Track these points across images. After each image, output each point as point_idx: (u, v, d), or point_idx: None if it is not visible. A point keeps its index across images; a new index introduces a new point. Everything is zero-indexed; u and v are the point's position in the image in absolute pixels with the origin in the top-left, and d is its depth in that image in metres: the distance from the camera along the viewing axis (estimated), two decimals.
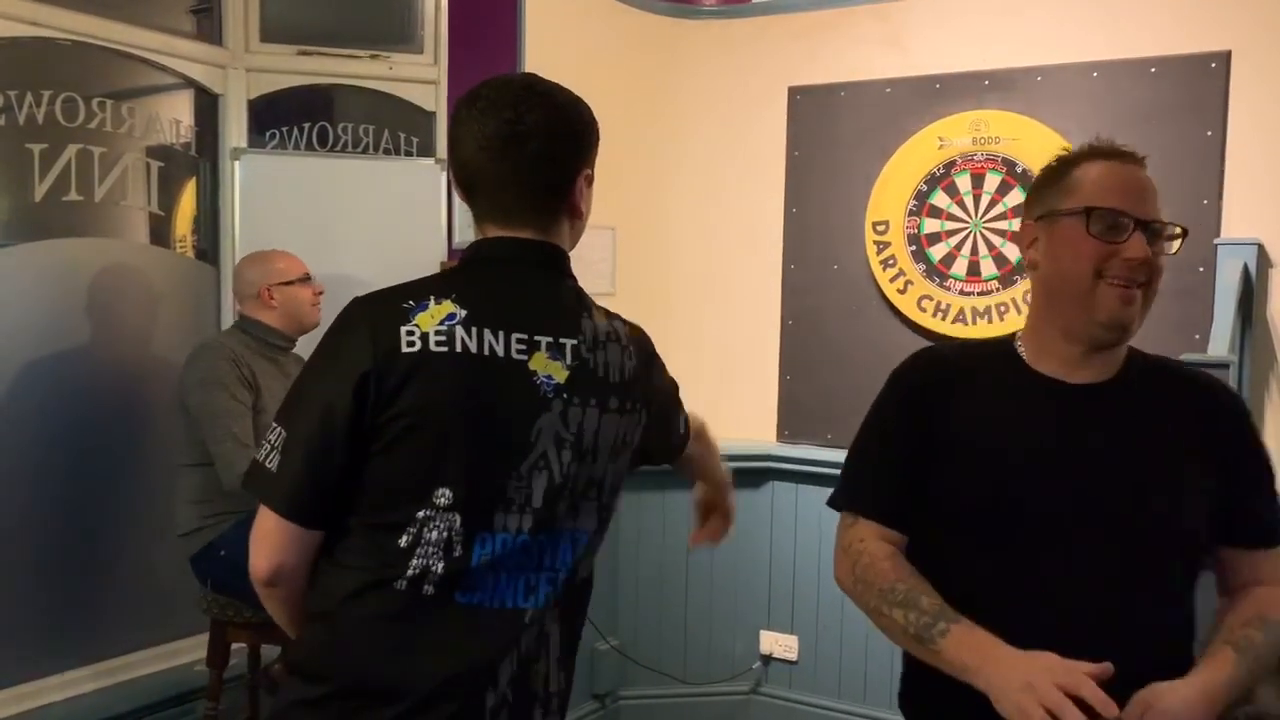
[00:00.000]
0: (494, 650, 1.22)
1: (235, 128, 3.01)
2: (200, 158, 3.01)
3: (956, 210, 3.32)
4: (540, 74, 1.33)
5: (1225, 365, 2.53)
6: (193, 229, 3.03)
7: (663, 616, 3.62)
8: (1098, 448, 1.35)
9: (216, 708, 2.57)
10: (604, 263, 3.54)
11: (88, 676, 2.70)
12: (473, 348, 1.21)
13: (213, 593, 2.56)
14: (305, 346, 2.64)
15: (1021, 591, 1.32)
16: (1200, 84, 2.97)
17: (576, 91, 1.33)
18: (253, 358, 2.56)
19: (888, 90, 3.44)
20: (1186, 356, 2.59)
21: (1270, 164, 2.92)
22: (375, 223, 3.08)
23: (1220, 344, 2.65)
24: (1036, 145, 3.10)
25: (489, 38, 3.25)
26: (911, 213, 3.38)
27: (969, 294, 3.30)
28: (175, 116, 2.93)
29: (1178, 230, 1.38)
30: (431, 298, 1.23)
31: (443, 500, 1.19)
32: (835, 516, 1.51)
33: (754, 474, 3.55)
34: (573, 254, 1.36)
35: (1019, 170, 3.22)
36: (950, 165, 3.32)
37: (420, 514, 1.19)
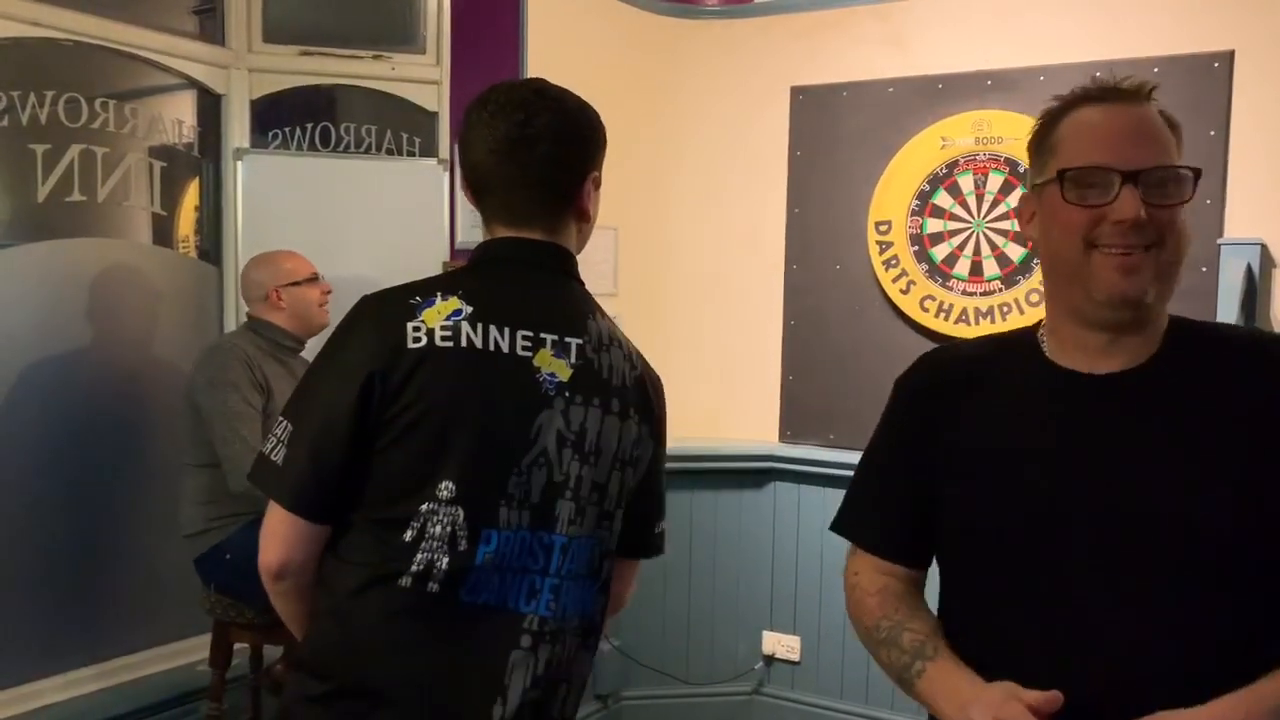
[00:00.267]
0: (497, 652, 1.22)
1: (238, 128, 3.01)
2: (203, 158, 3.01)
3: (959, 210, 3.32)
4: (542, 74, 1.35)
5: None
6: (195, 229, 3.03)
7: (665, 617, 3.62)
8: (1131, 452, 1.12)
9: (219, 708, 2.58)
10: (606, 263, 3.54)
11: (90, 676, 2.70)
12: (478, 343, 1.22)
13: (216, 594, 2.56)
14: (313, 349, 2.64)
15: (1050, 639, 1.12)
16: (1203, 84, 2.97)
17: (578, 92, 1.35)
18: (264, 359, 2.56)
19: (890, 90, 3.44)
20: None
21: (1273, 164, 2.91)
22: (377, 223, 3.08)
23: None
24: None
25: (491, 38, 3.25)
26: (914, 213, 3.38)
27: (971, 294, 3.30)
28: (178, 117, 2.93)
29: (1187, 172, 1.13)
30: (439, 294, 1.24)
31: (445, 493, 1.20)
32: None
33: (756, 474, 3.55)
34: (578, 255, 1.38)
35: (1021, 170, 3.21)
36: (953, 165, 3.32)
37: (424, 508, 1.20)
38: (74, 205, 2.66)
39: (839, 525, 1.36)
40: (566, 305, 1.31)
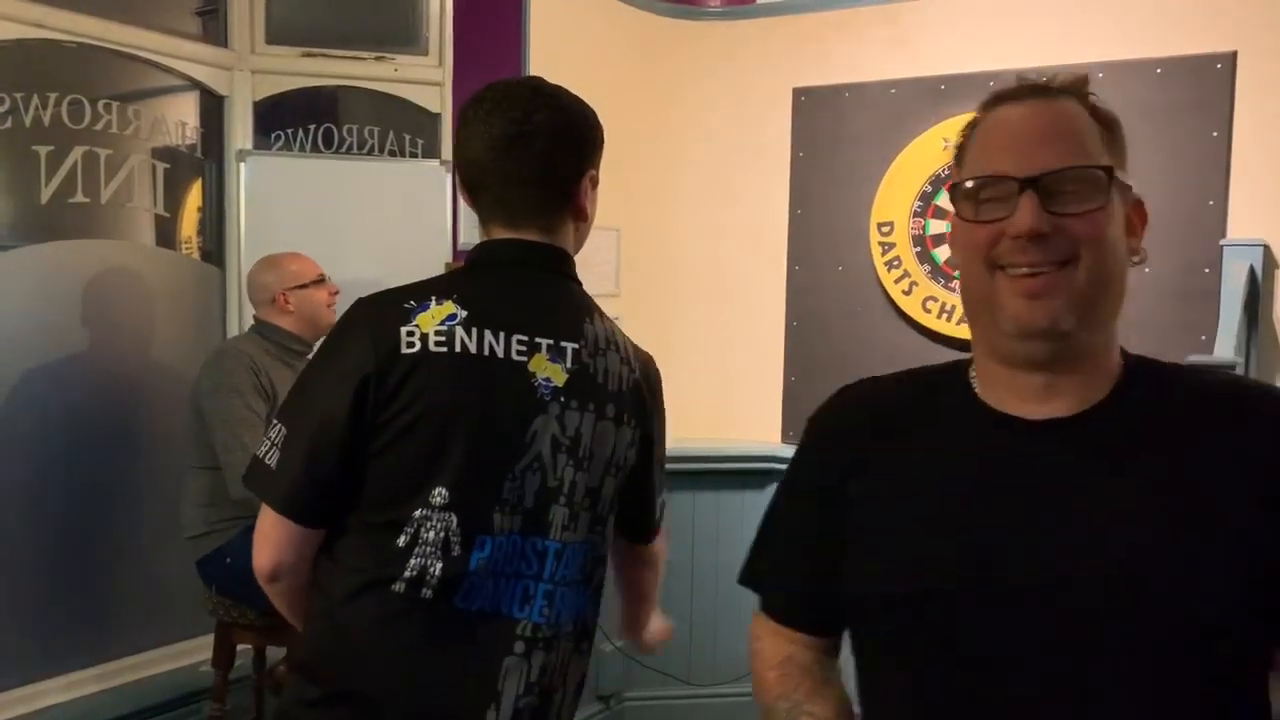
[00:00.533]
0: (492, 658, 1.22)
1: (240, 129, 3.01)
2: (206, 159, 3.01)
3: None
4: (545, 76, 1.34)
5: (1231, 367, 2.53)
6: (198, 231, 3.03)
7: (667, 617, 3.62)
8: (1069, 514, 0.90)
9: (222, 709, 2.58)
10: (608, 264, 3.54)
11: (92, 678, 2.70)
12: (472, 348, 1.21)
13: (218, 595, 2.56)
14: None
15: None
16: (1206, 85, 2.97)
17: (581, 93, 1.34)
18: (271, 364, 2.55)
19: (892, 91, 3.43)
20: (1192, 359, 2.59)
21: (1276, 164, 2.91)
22: (380, 224, 3.08)
23: (1226, 346, 2.65)
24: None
25: (494, 39, 3.25)
26: (916, 214, 3.38)
27: None
28: (181, 118, 2.94)
29: (1097, 172, 0.91)
30: (433, 298, 1.23)
31: (439, 499, 1.20)
32: None
33: (758, 475, 3.55)
34: (576, 255, 1.37)
35: None
36: None
37: (418, 513, 1.20)
38: (77, 207, 2.66)
39: (744, 577, 1.18)
40: (563, 308, 1.30)
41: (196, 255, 3.04)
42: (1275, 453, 0.89)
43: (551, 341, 1.25)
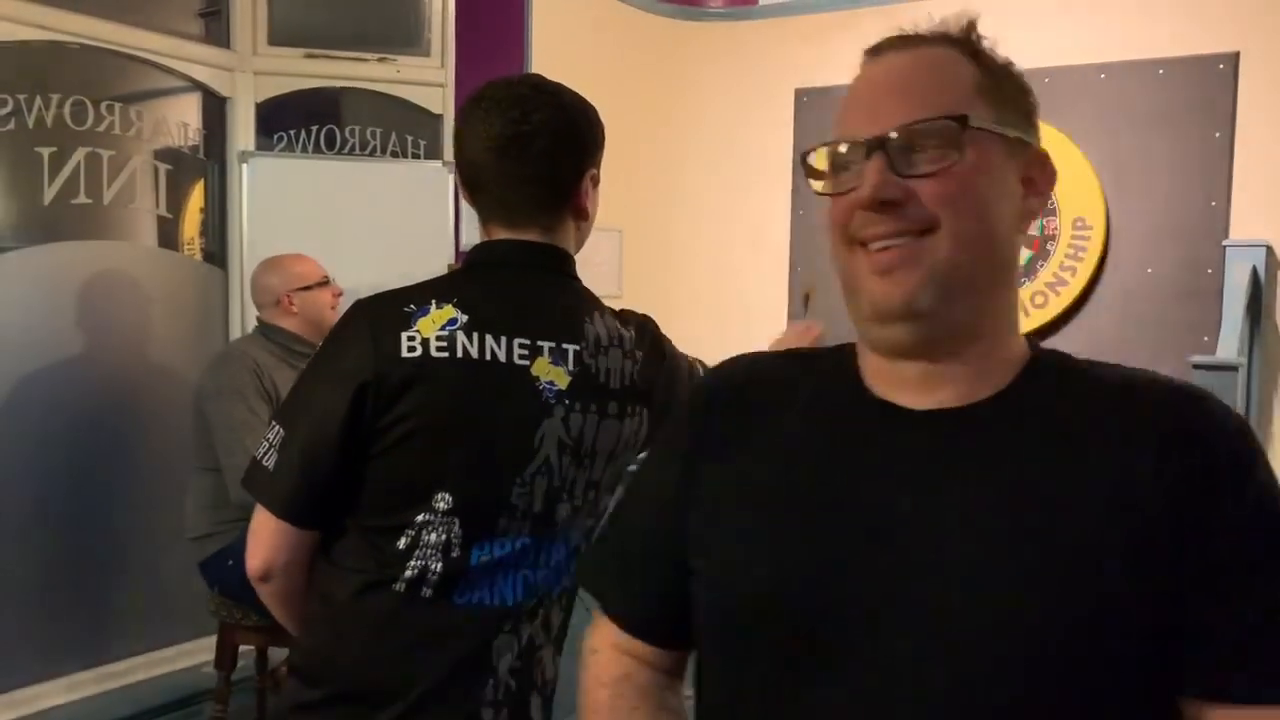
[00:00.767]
0: (486, 641, 1.22)
1: (243, 131, 3.01)
2: (208, 160, 3.02)
3: None
4: (547, 77, 1.33)
5: (1234, 368, 2.52)
6: (201, 232, 3.04)
7: None
8: (943, 513, 0.77)
9: (224, 710, 2.57)
10: (610, 265, 3.54)
11: (94, 679, 2.71)
12: (474, 353, 1.21)
13: (220, 596, 2.56)
14: None
15: None
16: (1209, 85, 2.96)
17: (583, 94, 1.34)
18: (276, 366, 2.54)
19: None
20: (1195, 359, 2.58)
21: (1279, 166, 2.91)
22: (382, 225, 3.08)
23: (1229, 346, 2.64)
24: (1044, 147, 3.10)
25: (496, 41, 3.25)
26: None
27: None
28: (183, 119, 2.94)
29: (948, 122, 0.79)
30: (433, 302, 1.22)
31: (442, 505, 1.19)
32: None
33: None
34: (578, 256, 1.36)
35: None
36: None
37: (420, 518, 1.19)
38: (80, 208, 2.66)
39: (582, 574, 1.05)
40: (564, 310, 1.29)
41: (199, 256, 3.04)
42: (1161, 476, 0.74)
43: (553, 344, 1.25)
